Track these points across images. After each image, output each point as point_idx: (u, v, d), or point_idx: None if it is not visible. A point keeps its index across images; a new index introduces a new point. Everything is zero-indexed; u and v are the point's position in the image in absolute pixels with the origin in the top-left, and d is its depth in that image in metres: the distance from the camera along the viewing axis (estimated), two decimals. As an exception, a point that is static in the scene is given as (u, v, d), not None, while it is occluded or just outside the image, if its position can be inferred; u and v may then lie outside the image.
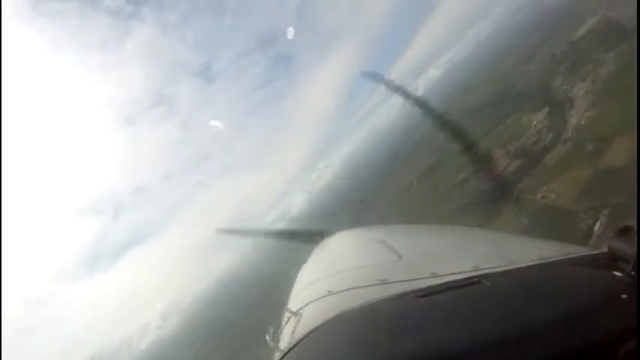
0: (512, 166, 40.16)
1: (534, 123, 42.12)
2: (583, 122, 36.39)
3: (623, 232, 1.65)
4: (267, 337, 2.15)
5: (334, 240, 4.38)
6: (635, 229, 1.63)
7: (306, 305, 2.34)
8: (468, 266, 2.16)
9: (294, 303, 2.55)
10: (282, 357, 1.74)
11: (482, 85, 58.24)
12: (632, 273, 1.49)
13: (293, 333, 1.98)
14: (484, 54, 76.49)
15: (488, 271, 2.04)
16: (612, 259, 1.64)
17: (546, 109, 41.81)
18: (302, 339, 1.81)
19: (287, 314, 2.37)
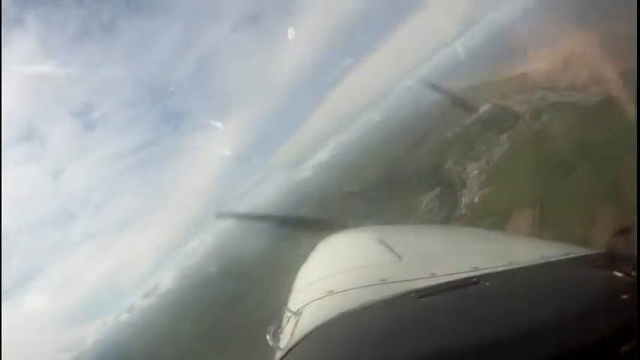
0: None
1: (424, 202, 40.63)
2: (476, 200, 35.54)
3: (623, 232, 1.63)
4: (267, 337, 2.10)
5: (334, 240, 4.33)
6: (635, 229, 1.61)
7: (306, 305, 2.33)
8: (467, 266, 2.16)
9: (294, 303, 2.54)
10: (283, 356, 1.76)
11: (371, 168, 57.61)
12: (633, 273, 1.48)
13: (294, 333, 1.99)
14: (374, 138, 77.91)
15: (487, 271, 2.05)
16: (612, 259, 1.61)
17: (437, 190, 40.77)
18: (303, 339, 1.82)
19: (287, 314, 2.34)
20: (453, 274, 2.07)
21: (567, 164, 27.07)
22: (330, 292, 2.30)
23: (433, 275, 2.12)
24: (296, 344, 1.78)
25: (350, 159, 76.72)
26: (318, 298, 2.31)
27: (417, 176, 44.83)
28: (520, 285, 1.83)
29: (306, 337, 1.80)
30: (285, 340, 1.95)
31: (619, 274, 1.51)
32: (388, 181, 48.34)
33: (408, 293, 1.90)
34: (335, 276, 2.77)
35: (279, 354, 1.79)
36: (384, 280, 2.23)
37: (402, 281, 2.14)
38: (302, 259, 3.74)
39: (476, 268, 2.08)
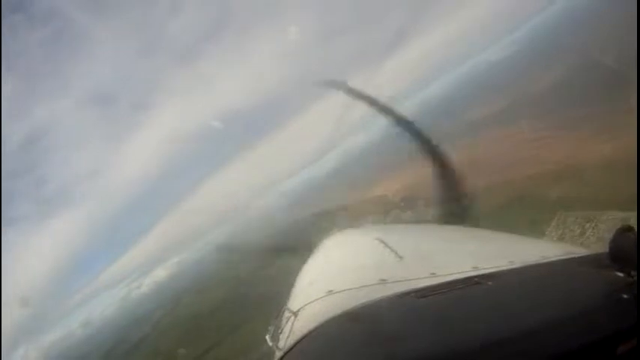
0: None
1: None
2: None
3: (624, 232, 1.57)
4: (266, 337, 2.07)
5: (335, 240, 4.38)
6: (636, 229, 1.56)
7: (306, 305, 2.29)
8: (468, 266, 2.16)
9: (294, 302, 2.48)
10: (282, 356, 1.73)
11: (215, 289, 51.80)
12: (633, 273, 1.45)
13: (293, 333, 1.94)
14: (220, 257, 69.84)
15: (488, 271, 2.03)
16: (613, 260, 1.57)
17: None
18: (302, 339, 1.79)
19: (287, 314, 2.28)
20: (453, 273, 2.06)
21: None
22: (330, 292, 2.27)
23: (433, 275, 2.12)
24: (295, 344, 1.74)
25: (190, 279, 70.34)
26: (318, 298, 2.27)
27: (267, 299, 37.08)
28: (520, 285, 1.80)
29: (306, 337, 1.76)
30: (285, 340, 1.91)
31: (619, 275, 1.47)
32: (233, 306, 40.12)
33: (408, 293, 1.88)
34: (335, 276, 2.76)
35: (278, 354, 1.75)
36: (384, 279, 2.21)
37: (402, 281, 2.12)
38: (304, 259, 3.68)
39: (476, 268, 2.08)
